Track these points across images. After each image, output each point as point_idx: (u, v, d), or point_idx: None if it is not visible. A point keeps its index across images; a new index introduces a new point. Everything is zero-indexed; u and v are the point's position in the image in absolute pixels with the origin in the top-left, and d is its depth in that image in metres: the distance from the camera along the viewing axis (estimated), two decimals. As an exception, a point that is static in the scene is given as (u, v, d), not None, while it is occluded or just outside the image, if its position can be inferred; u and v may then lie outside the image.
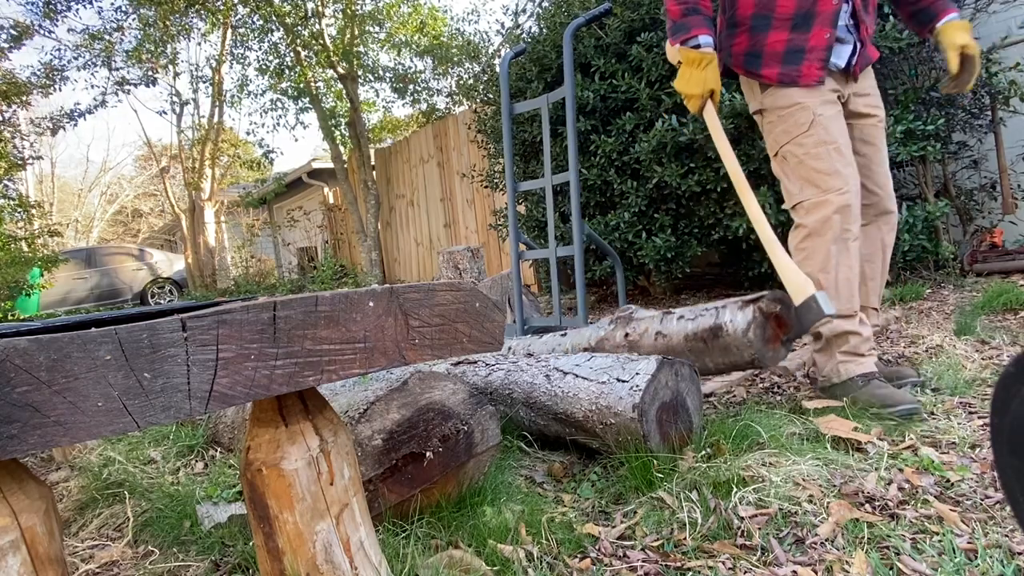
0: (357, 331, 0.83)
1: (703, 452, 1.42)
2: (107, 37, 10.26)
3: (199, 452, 1.93)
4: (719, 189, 3.56)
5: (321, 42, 9.06)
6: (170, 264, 12.84)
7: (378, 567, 0.96)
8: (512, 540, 1.17)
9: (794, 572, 1.01)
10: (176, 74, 12.18)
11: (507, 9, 13.85)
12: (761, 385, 2.16)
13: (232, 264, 12.99)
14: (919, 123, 3.29)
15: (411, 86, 10.66)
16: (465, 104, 8.42)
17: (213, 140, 12.16)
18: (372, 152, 9.94)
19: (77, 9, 9.69)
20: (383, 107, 12.22)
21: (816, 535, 1.11)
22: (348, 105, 9.69)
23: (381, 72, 10.42)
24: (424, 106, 10.98)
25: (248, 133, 19.21)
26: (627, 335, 1.91)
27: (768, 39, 1.81)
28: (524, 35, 5.15)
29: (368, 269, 9.42)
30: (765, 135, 1.92)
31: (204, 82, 12.18)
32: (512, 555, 1.11)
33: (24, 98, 9.28)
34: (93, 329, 0.66)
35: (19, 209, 8.03)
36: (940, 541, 1.05)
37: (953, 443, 1.45)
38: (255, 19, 9.72)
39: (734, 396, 2.05)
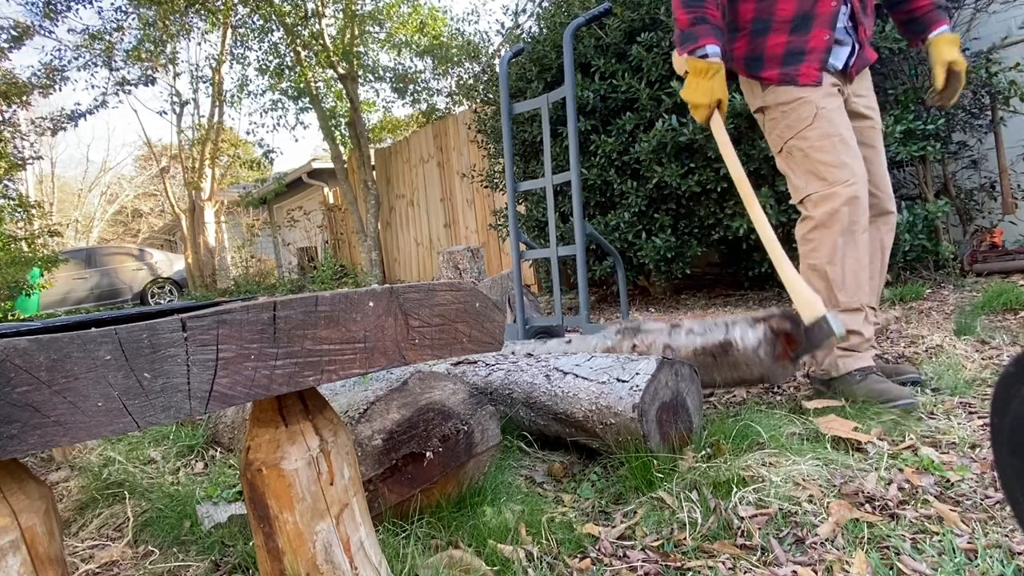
0: (357, 331, 0.83)
1: (703, 452, 1.42)
2: (107, 37, 10.26)
3: (199, 452, 1.93)
4: (719, 189, 3.56)
5: (321, 42, 9.06)
6: (170, 264, 12.84)
7: (378, 567, 0.96)
8: (512, 540, 1.17)
9: (794, 572, 1.01)
10: (176, 74, 12.19)
11: (507, 9, 13.87)
12: (761, 385, 2.15)
13: (232, 264, 12.99)
14: (919, 123, 3.29)
15: (411, 86, 10.67)
16: (465, 104, 8.42)
17: (213, 140, 12.16)
18: (372, 152, 9.94)
19: (77, 9, 9.69)
20: (383, 107, 12.25)
21: (816, 535, 1.11)
22: (348, 105, 9.69)
23: (381, 72, 10.44)
24: (424, 106, 10.99)
25: (248, 133, 19.28)
26: (635, 346, 1.91)
27: (768, 42, 1.81)
28: (524, 35, 5.15)
29: (368, 269, 9.42)
30: (767, 133, 1.92)
31: (204, 82, 12.21)
32: (512, 555, 1.11)
33: (24, 98, 9.29)
34: (93, 329, 0.66)
35: (19, 209, 8.03)
36: (940, 541, 1.05)
37: (953, 443, 1.45)
38: (255, 19, 9.73)
39: (734, 396, 2.05)
